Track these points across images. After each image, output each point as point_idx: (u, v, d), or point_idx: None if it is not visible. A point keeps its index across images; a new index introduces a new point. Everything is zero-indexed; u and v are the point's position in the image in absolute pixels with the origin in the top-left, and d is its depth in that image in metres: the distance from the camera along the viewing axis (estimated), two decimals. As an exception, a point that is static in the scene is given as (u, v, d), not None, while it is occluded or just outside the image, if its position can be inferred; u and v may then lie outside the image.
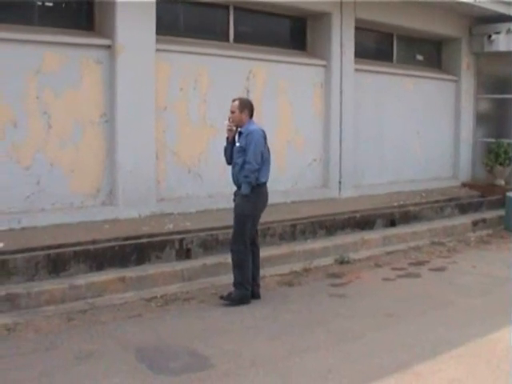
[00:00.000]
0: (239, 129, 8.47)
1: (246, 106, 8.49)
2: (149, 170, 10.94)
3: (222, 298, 8.38)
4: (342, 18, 13.99)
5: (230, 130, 8.55)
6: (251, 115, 8.52)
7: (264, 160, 8.37)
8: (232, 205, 8.65)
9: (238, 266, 8.39)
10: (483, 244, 12.71)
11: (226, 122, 8.62)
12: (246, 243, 8.37)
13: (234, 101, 8.54)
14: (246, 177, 8.19)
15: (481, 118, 18.22)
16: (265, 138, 8.45)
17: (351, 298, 8.73)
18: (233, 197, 8.64)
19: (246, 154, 8.24)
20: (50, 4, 10.52)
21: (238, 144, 8.40)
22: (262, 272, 9.00)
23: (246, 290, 8.35)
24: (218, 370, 6.08)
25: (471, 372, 6.15)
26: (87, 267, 8.71)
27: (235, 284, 8.38)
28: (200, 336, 7.05)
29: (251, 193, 8.24)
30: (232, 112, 8.44)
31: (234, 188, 8.56)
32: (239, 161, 8.32)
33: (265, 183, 8.45)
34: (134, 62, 10.68)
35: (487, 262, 11.14)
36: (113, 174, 10.69)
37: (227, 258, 9.49)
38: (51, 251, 8.56)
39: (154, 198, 11.03)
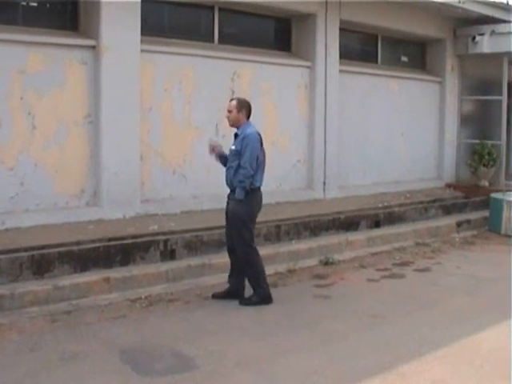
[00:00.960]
0: (235, 130, 8.41)
1: (244, 106, 8.40)
2: (133, 170, 10.93)
3: (241, 303, 8.34)
4: (326, 19, 14.01)
5: (212, 150, 8.55)
6: (248, 116, 8.44)
7: (259, 164, 8.27)
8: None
9: (250, 269, 8.38)
10: (467, 245, 12.74)
11: (214, 140, 8.60)
12: (251, 245, 8.35)
13: (231, 100, 8.50)
14: (241, 182, 8.12)
15: (465, 120, 18.29)
16: (260, 142, 8.36)
17: (336, 299, 8.73)
18: (226, 199, 8.58)
19: (240, 158, 8.15)
20: (35, 4, 10.50)
21: (233, 147, 8.30)
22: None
23: (265, 290, 8.37)
24: (202, 371, 6.07)
25: (455, 372, 6.16)
26: (71, 268, 8.68)
27: (253, 286, 8.39)
28: (185, 337, 7.04)
29: (245, 197, 8.18)
30: (229, 111, 8.37)
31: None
32: (234, 164, 8.22)
33: (259, 187, 8.37)
34: (119, 63, 10.66)
35: (471, 262, 11.18)
36: (97, 175, 10.67)
37: (212, 259, 9.54)
38: (35, 252, 8.52)
39: (138, 199, 11.02)
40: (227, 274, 8.72)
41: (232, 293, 8.53)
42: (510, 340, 6.92)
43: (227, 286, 8.66)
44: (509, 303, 8.25)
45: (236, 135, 8.39)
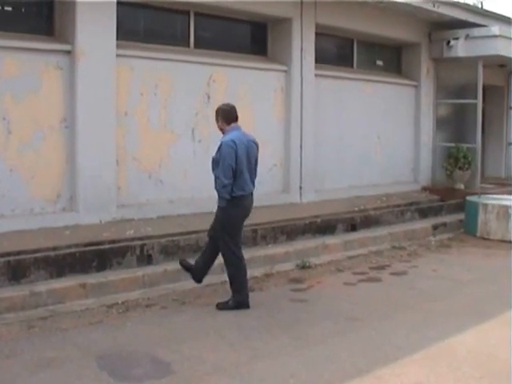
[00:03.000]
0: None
1: (218, 113, 8.43)
2: (109, 175, 10.88)
3: (217, 306, 8.36)
4: (302, 24, 14.03)
5: None
6: (229, 121, 8.40)
7: (240, 172, 8.15)
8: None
9: (233, 275, 8.43)
10: (444, 248, 12.82)
11: None
12: (235, 252, 8.39)
13: None
14: (218, 191, 8.16)
15: (440, 123, 18.37)
16: (245, 149, 8.23)
17: (313, 303, 8.75)
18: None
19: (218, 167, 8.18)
20: (10, 8, 10.43)
21: (213, 156, 8.31)
22: (223, 277, 9.02)
23: (242, 296, 8.38)
24: (179, 377, 6.07)
25: (433, 375, 6.19)
26: (48, 274, 8.66)
27: (232, 290, 8.43)
28: (162, 342, 7.03)
29: (228, 205, 8.17)
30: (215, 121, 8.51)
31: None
32: (214, 173, 8.25)
33: (243, 195, 8.28)
34: (95, 68, 10.61)
35: (447, 265, 11.25)
36: (73, 180, 10.62)
37: (188, 264, 9.50)
38: (11, 258, 8.50)
39: (114, 204, 10.97)
40: (204, 278, 8.77)
41: (192, 271, 8.76)
42: (487, 342, 6.98)
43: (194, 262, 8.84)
44: (485, 306, 8.32)
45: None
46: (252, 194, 8.52)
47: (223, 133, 8.38)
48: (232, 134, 8.24)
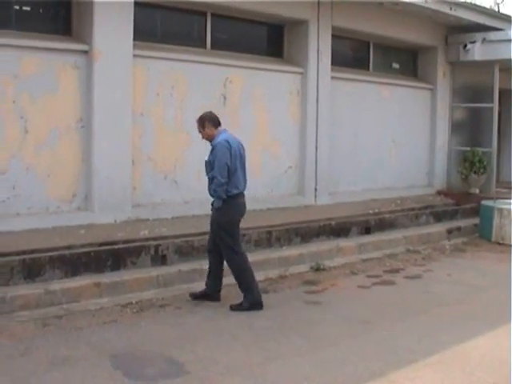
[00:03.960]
0: (211, 143, 8.46)
1: (205, 120, 8.48)
2: (125, 175, 10.92)
3: (231, 308, 8.37)
4: (319, 26, 14.04)
5: None
6: (216, 125, 8.49)
7: (234, 171, 8.31)
8: (209, 211, 8.67)
9: (237, 274, 8.49)
10: (458, 252, 12.77)
11: None
12: (237, 251, 8.44)
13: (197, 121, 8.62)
14: (215, 191, 8.24)
15: (456, 127, 18.33)
16: (237, 148, 8.40)
17: (326, 305, 8.75)
18: (210, 207, 8.66)
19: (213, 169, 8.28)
20: (28, 8, 10.48)
21: (206, 158, 8.41)
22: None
23: (254, 296, 8.41)
24: (193, 377, 6.08)
25: (447, 379, 6.17)
26: (62, 272, 8.68)
27: (243, 291, 8.46)
28: (175, 342, 7.04)
29: (224, 205, 8.27)
30: (199, 132, 8.53)
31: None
32: (210, 175, 8.36)
33: (238, 194, 8.41)
34: (111, 68, 10.66)
35: (462, 270, 11.21)
36: (89, 180, 10.66)
37: (202, 265, 9.50)
38: (26, 256, 8.52)
39: (129, 204, 11.01)
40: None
41: (208, 295, 8.67)
42: (501, 347, 6.95)
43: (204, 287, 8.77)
44: (499, 311, 8.28)
45: (211, 146, 8.46)
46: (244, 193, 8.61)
47: (211, 139, 8.45)
48: (223, 136, 8.40)
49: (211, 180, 8.31)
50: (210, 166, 8.33)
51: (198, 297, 8.69)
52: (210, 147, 8.42)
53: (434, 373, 6.34)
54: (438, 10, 15.31)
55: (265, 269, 10.23)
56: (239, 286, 8.50)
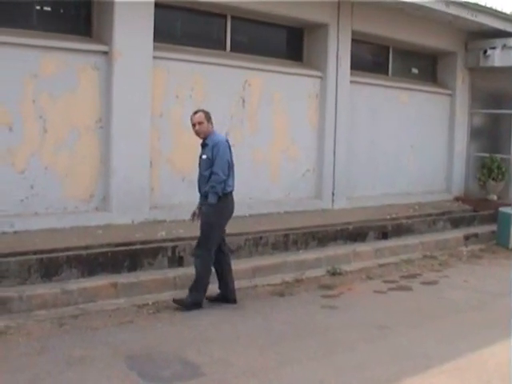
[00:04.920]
0: (205, 141, 8.52)
1: (210, 117, 8.59)
2: (143, 176, 10.94)
3: (174, 301, 8.40)
4: (338, 30, 14.02)
5: (193, 216, 8.87)
6: (212, 125, 8.60)
7: (230, 169, 8.47)
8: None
9: (199, 272, 8.46)
10: (475, 259, 12.72)
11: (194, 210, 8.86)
12: (211, 251, 8.45)
13: (196, 113, 8.60)
14: (213, 187, 8.28)
15: (475, 133, 18.25)
16: (229, 148, 8.54)
17: (343, 310, 8.73)
18: (197, 207, 8.76)
19: (213, 165, 8.32)
20: (49, 9, 10.53)
21: (204, 156, 8.45)
22: (253, 281, 9.13)
23: (200, 296, 8.43)
24: (208, 379, 6.09)
25: (461, 386, 6.17)
26: (79, 272, 8.71)
27: (191, 288, 8.43)
28: (191, 344, 7.05)
29: (218, 202, 8.32)
30: (200, 123, 8.47)
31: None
32: (206, 173, 8.39)
33: (231, 192, 8.53)
34: (131, 69, 10.69)
35: (479, 276, 11.16)
36: (107, 180, 10.70)
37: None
38: (44, 255, 8.55)
39: (147, 205, 11.03)
40: (235, 282, 8.78)
41: (225, 295, 8.72)
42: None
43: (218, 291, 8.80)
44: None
45: (205, 145, 8.51)
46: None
47: (205, 136, 8.50)
48: (220, 136, 8.65)
49: (208, 177, 8.36)
50: (208, 163, 8.38)
51: (216, 299, 8.70)
52: (206, 146, 8.43)
53: (449, 380, 6.32)
54: (459, 15, 15.24)
55: (281, 272, 10.24)
56: (194, 283, 8.44)
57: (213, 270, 8.66)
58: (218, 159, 8.31)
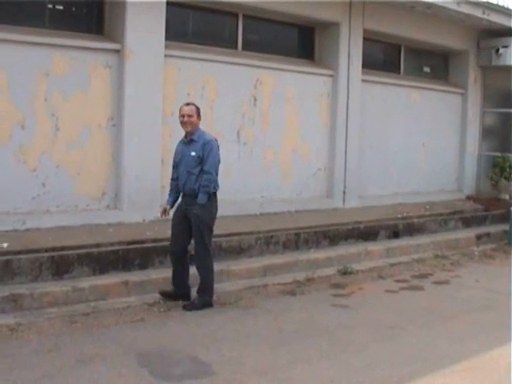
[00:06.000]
0: (191, 136, 8.42)
1: (200, 113, 8.53)
2: (154, 174, 10.94)
3: (184, 307, 8.30)
4: (350, 28, 14.01)
5: (164, 212, 8.76)
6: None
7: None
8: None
9: (205, 273, 8.40)
10: (487, 258, 12.69)
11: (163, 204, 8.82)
12: (209, 250, 8.43)
13: (187, 105, 8.52)
14: (205, 186, 8.21)
15: (487, 132, 18.20)
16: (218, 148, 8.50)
17: (354, 309, 8.72)
18: (181, 206, 8.62)
19: (203, 164, 8.24)
20: (61, 7, 10.55)
21: (193, 153, 8.32)
22: (265, 280, 9.23)
23: (209, 297, 8.40)
24: (219, 378, 6.08)
25: (473, 387, 6.15)
26: (90, 270, 8.73)
27: (202, 290, 8.38)
28: (202, 343, 7.04)
29: (208, 201, 8.27)
30: (189, 116, 8.37)
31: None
32: (195, 171, 8.28)
33: (217, 191, 8.47)
34: (143, 67, 10.69)
35: (490, 276, 11.13)
36: (118, 178, 10.71)
37: (230, 265, 9.57)
38: (55, 253, 8.58)
39: (158, 203, 10.99)
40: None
41: (178, 295, 8.57)
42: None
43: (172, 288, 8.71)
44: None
45: (191, 141, 8.40)
46: None
47: (191, 130, 8.43)
48: (208, 134, 8.58)
49: (197, 175, 8.25)
50: (197, 160, 8.28)
51: (168, 295, 8.59)
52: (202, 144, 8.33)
53: (461, 380, 6.30)
54: (471, 14, 15.20)
55: (292, 271, 10.24)
56: (201, 285, 8.39)
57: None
58: (210, 158, 8.25)
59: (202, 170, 8.24)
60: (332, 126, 14.07)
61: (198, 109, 8.49)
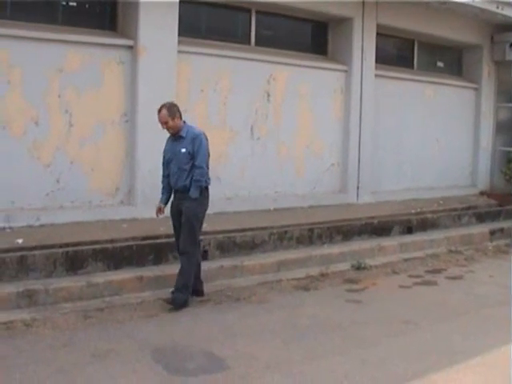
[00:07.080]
0: (178, 133, 8.31)
1: (176, 110, 8.28)
2: (168, 170, 10.96)
3: (166, 301, 8.20)
4: (363, 23, 13.98)
5: (159, 210, 8.67)
6: (181, 117, 8.37)
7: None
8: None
9: (188, 268, 8.22)
10: (500, 254, 12.64)
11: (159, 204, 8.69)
12: (196, 246, 8.38)
13: (160, 111, 8.28)
14: (198, 181, 8.15)
15: (501, 127, 18.12)
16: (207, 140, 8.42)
17: (367, 304, 8.72)
18: (173, 201, 8.57)
19: (194, 159, 8.18)
20: (74, 4, 10.58)
21: (183, 150, 8.23)
22: (278, 275, 9.23)
23: (188, 293, 8.29)
24: (233, 373, 6.10)
25: (487, 382, 6.13)
26: (105, 266, 8.76)
27: (181, 288, 8.18)
28: (216, 338, 7.07)
29: (200, 195, 8.23)
30: (165, 122, 8.21)
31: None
32: (187, 167, 8.21)
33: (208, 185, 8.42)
34: (156, 63, 10.71)
35: (504, 271, 11.07)
36: (132, 174, 10.74)
37: (244, 261, 9.58)
38: (69, 249, 8.61)
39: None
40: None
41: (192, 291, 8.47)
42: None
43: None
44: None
45: (180, 137, 8.30)
46: None
47: (177, 129, 8.29)
48: (195, 128, 8.48)
49: (188, 171, 8.20)
50: (188, 156, 8.21)
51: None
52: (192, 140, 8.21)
53: (475, 376, 6.29)
54: (485, 8, 15.15)
55: (306, 266, 10.24)
56: (182, 280, 8.20)
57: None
58: (200, 152, 8.18)
59: (193, 165, 8.19)
60: (345, 122, 14.06)
61: (170, 109, 8.24)
